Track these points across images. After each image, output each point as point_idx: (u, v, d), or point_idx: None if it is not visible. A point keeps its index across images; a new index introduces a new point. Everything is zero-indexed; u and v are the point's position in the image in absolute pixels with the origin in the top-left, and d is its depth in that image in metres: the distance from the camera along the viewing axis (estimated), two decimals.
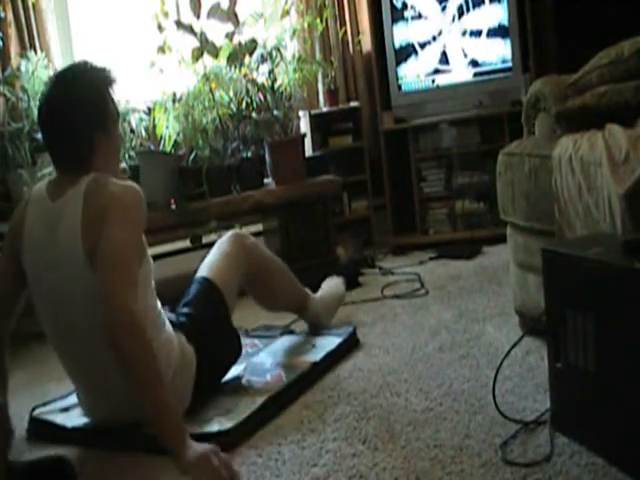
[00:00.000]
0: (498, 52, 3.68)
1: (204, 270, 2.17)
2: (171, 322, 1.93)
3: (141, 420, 1.72)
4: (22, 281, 1.85)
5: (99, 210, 1.69)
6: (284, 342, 2.41)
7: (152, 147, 3.42)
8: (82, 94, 1.79)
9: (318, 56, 3.96)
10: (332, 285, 2.62)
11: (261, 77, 3.50)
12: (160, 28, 3.32)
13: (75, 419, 1.97)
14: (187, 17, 3.36)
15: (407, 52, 3.82)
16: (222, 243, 2.27)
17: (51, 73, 3.31)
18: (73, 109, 1.77)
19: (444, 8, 3.75)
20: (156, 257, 2.46)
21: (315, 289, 2.56)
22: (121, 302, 1.57)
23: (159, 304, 1.90)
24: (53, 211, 1.77)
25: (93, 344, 1.72)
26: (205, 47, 3.31)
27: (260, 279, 2.30)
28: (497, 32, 3.67)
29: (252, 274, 2.25)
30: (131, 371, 1.56)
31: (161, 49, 3.32)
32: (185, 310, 2.02)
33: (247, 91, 3.47)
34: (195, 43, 3.31)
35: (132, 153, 3.33)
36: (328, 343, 2.28)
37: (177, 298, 2.11)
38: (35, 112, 3.24)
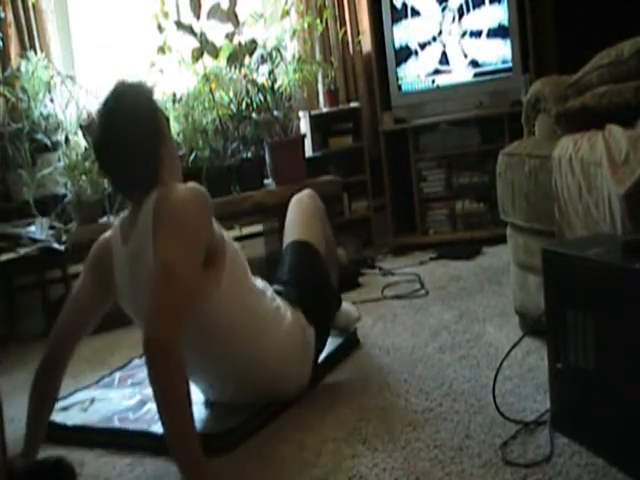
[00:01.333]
0: (498, 52, 3.68)
1: (291, 234, 2.19)
2: (280, 294, 1.94)
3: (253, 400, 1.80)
4: (102, 308, 1.82)
5: (163, 219, 1.57)
6: None
7: None
8: (138, 113, 1.68)
9: (318, 56, 3.97)
10: (349, 308, 2.54)
11: (261, 77, 3.50)
12: (160, 28, 3.32)
13: (75, 417, 1.98)
14: (187, 17, 3.36)
15: (407, 52, 3.83)
16: (300, 200, 2.30)
17: (51, 73, 3.32)
18: (141, 122, 1.67)
19: (444, 8, 3.75)
20: None
21: None
22: (160, 334, 1.42)
23: (262, 285, 1.90)
24: (127, 254, 1.69)
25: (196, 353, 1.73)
26: (205, 47, 3.31)
27: (326, 230, 2.29)
28: (497, 32, 3.67)
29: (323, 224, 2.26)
30: (158, 395, 1.42)
31: (161, 49, 3.33)
32: (289, 279, 2.04)
33: (247, 91, 3.47)
34: (195, 43, 3.31)
35: None
36: (328, 344, 2.27)
37: None
38: (36, 112, 3.25)
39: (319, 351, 2.04)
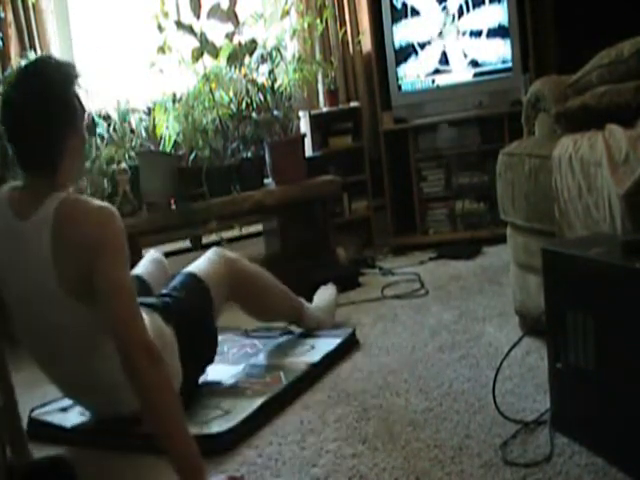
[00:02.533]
0: (498, 52, 3.68)
1: (190, 268, 2.18)
2: (150, 305, 1.93)
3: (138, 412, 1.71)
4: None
5: (82, 239, 1.61)
6: (283, 343, 2.41)
7: (152, 147, 3.42)
8: (51, 88, 1.67)
9: (318, 56, 3.96)
10: (323, 292, 2.62)
11: (261, 77, 3.50)
12: (160, 28, 3.31)
13: (74, 419, 1.98)
14: (187, 17, 3.36)
15: (407, 52, 3.82)
16: (204, 257, 2.26)
17: None
18: (44, 103, 1.65)
19: (444, 8, 3.75)
20: None
21: (315, 290, 2.56)
22: (138, 338, 1.51)
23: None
24: (17, 232, 1.68)
25: (78, 365, 1.77)
26: (205, 47, 3.31)
27: (247, 292, 2.28)
28: (497, 32, 3.67)
29: (238, 287, 2.23)
30: (150, 398, 1.48)
31: (161, 49, 3.32)
32: (167, 293, 2.04)
33: (247, 91, 3.47)
34: (195, 43, 3.31)
35: (132, 153, 3.33)
36: (327, 344, 2.28)
37: None
38: None
39: (191, 359, 1.96)
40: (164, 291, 2.09)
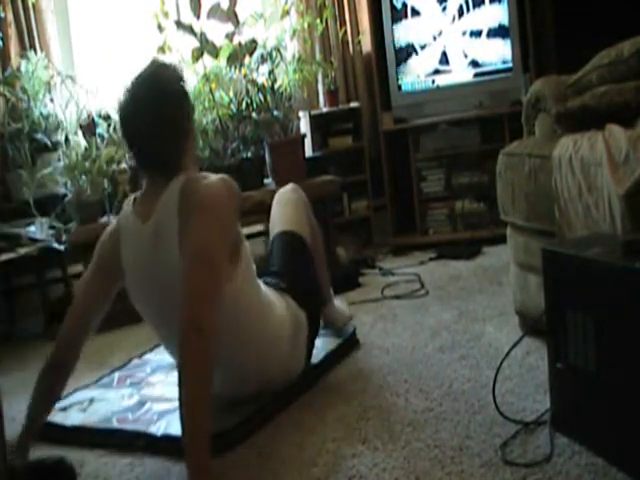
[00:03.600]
0: (498, 52, 3.68)
1: (277, 225, 2.23)
2: (274, 286, 1.98)
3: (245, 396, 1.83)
4: (107, 301, 1.84)
5: (193, 209, 1.61)
6: None
7: None
8: (171, 88, 1.71)
9: (318, 56, 3.96)
10: (341, 306, 2.57)
11: (261, 77, 3.50)
12: (160, 28, 3.32)
13: (74, 417, 1.98)
14: (187, 17, 3.36)
15: (407, 52, 3.83)
16: (284, 195, 2.32)
17: (51, 73, 3.32)
18: (167, 103, 1.69)
19: (444, 8, 3.75)
20: None
21: None
22: (197, 315, 1.47)
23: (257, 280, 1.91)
24: (146, 234, 1.69)
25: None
26: (205, 47, 3.31)
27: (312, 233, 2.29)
28: (497, 32, 3.67)
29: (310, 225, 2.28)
30: (186, 376, 1.43)
31: (161, 49, 3.33)
32: (278, 270, 2.09)
33: (247, 91, 3.47)
34: (195, 43, 3.31)
35: None
36: (327, 344, 2.28)
37: None
38: (36, 112, 3.25)
39: (312, 338, 2.07)
40: (275, 268, 2.11)
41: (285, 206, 2.28)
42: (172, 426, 1.80)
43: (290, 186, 2.38)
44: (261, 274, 2.03)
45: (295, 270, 2.11)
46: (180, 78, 1.75)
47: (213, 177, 1.70)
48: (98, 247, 1.86)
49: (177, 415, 1.77)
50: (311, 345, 2.08)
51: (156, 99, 1.68)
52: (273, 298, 1.93)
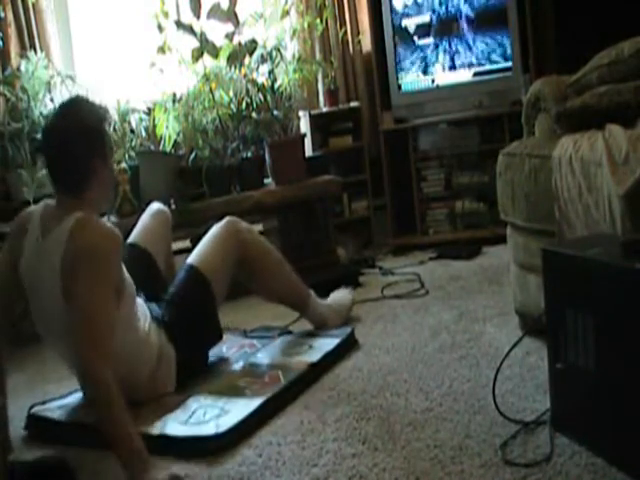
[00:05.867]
0: (498, 52, 3.68)
1: (193, 257, 2.24)
2: (154, 316, 2.05)
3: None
4: (20, 285, 1.94)
5: (72, 254, 1.74)
6: (282, 343, 2.40)
7: (152, 147, 3.42)
8: (84, 122, 1.87)
9: (318, 56, 3.96)
10: (338, 292, 2.66)
11: (261, 77, 3.50)
12: (160, 28, 3.32)
13: (72, 414, 1.98)
14: (187, 17, 3.36)
15: (407, 52, 3.82)
16: (215, 228, 2.32)
17: (51, 73, 3.33)
18: (75, 134, 1.85)
19: (444, 8, 3.75)
20: None
21: (316, 290, 2.56)
22: (93, 376, 1.61)
23: (140, 301, 2.01)
24: (40, 249, 1.84)
25: None
26: (205, 47, 3.31)
27: (255, 266, 2.33)
28: (497, 32, 3.67)
29: (246, 261, 2.29)
30: (101, 418, 1.62)
31: (161, 49, 3.33)
32: (170, 300, 2.13)
33: (247, 91, 3.47)
34: (195, 43, 3.31)
35: (132, 153, 3.33)
36: (326, 344, 2.28)
37: None
38: (36, 112, 3.25)
39: (181, 377, 2.07)
40: (170, 292, 2.18)
41: (209, 240, 2.30)
42: (169, 425, 1.80)
43: (223, 221, 2.34)
44: (153, 297, 2.14)
45: (184, 307, 2.14)
46: (99, 114, 1.93)
47: (99, 226, 1.81)
48: (11, 232, 2.01)
49: (175, 415, 1.81)
50: (178, 384, 2.07)
51: (68, 129, 1.86)
52: (148, 329, 2.00)
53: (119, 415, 1.59)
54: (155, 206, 2.53)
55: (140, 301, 2.03)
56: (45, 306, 1.87)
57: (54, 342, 1.97)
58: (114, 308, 1.78)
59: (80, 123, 1.87)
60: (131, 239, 2.37)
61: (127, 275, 1.92)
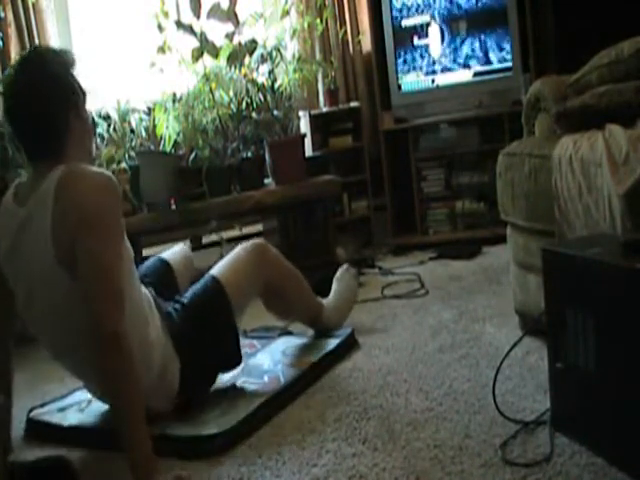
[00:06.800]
0: (498, 52, 3.68)
1: (217, 269, 2.08)
2: (164, 313, 1.90)
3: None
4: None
5: (71, 212, 1.59)
6: (282, 343, 2.40)
7: (152, 147, 3.42)
8: (49, 71, 1.68)
9: (318, 56, 3.96)
10: (343, 286, 2.56)
11: (261, 77, 3.50)
12: (160, 28, 3.32)
13: (71, 418, 1.98)
14: (187, 17, 3.36)
15: (407, 51, 3.82)
16: (244, 250, 2.16)
17: None
18: (46, 88, 1.66)
19: (444, 8, 3.75)
20: None
21: (316, 290, 2.56)
22: (110, 327, 1.51)
23: (147, 294, 1.88)
24: (20, 217, 1.68)
25: (79, 343, 1.69)
26: (205, 47, 3.31)
27: (277, 292, 2.22)
28: (497, 32, 3.67)
29: (269, 286, 2.18)
30: (111, 386, 1.53)
31: (161, 49, 3.32)
32: (184, 303, 1.96)
33: (247, 91, 3.47)
34: (195, 43, 3.31)
35: (132, 153, 3.33)
36: (326, 344, 2.28)
37: None
38: None
39: (189, 393, 1.92)
40: (186, 295, 2.01)
41: (234, 260, 2.12)
42: (169, 426, 1.80)
43: (252, 244, 2.20)
44: (169, 298, 2.00)
45: (197, 315, 1.95)
46: (58, 62, 1.71)
47: (91, 174, 1.65)
48: None
49: (174, 415, 1.78)
50: (185, 403, 1.92)
51: (28, 89, 1.67)
52: (154, 325, 1.84)
53: (135, 394, 1.51)
54: (183, 247, 2.48)
55: (144, 289, 1.89)
56: (34, 288, 1.69)
57: (53, 337, 1.80)
58: (122, 255, 1.64)
59: (45, 74, 1.67)
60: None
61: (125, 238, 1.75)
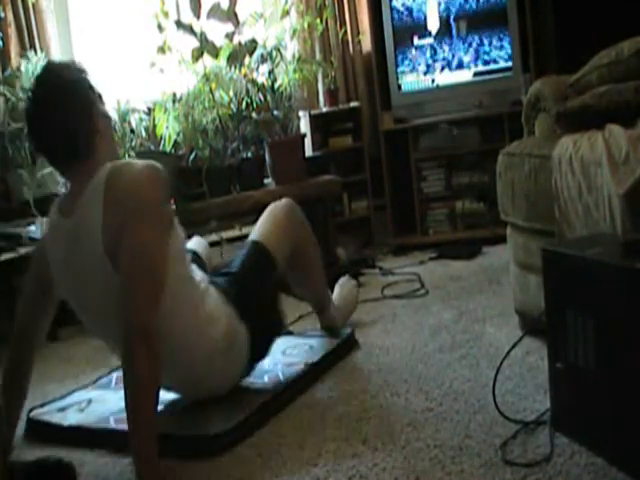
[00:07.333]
0: (498, 52, 3.68)
1: (255, 234, 2.16)
2: (220, 288, 1.90)
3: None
4: (50, 305, 1.87)
5: (122, 200, 1.59)
6: (282, 343, 2.40)
7: (152, 147, 3.42)
8: (67, 80, 1.69)
9: (318, 56, 3.96)
10: (346, 291, 2.60)
11: (261, 77, 3.50)
12: (160, 28, 3.32)
13: (71, 418, 1.97)
14: (187, 17, 3.36)
15: (407, 52, 3.82)
16: (276, 208, 2.24)
17: None
18: (64, 97, 1.67)
19: (444, 8, 3.75)
20: None
21: None
22: (143, 324, 1.49)
23: (200, 274, 1.89)
24: (68, 228, 1.68)
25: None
26: (205, 47, 3.31)
27: (302, 253, 2.23)
28: (497, 32, 3.67)
29: (297, 241, 2.22)
30: (132, 387, 1.51)
31: (161, 49, 3.32)
32: (234, 273, 2.00)
33: (247, 91, 3.47)
34: (195, 43, 3.31)
35: (132, 153, 3.33)
36: (326, 344, 2.28)
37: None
38: None
39: (253, 359, 1.97)
40: (234, 265, 2.05)
41: (270, 219, 2.21)
42: (169, 426, 1.80)
43: (284, 202, 2.27)
44: (215, 272, 2.05)
45: (249, 280, 2.00)
46: (72, 70, 1.72)
47: (138, 166, 1.66)
48: (33, 258, 1.89)
49: (174, 415, 1.78)
50: (250, 367, 1.98)
51: (53, 98, 1.66)
52: (213, 298, 1.85)
53: (152, 401, 1.49)
54: (200, 239, 2.53)
55: (194, 266, 1.89)
56: (88, 289, 1.68)
57: (98, 320, 1.76)
58: (167, 260, 1.61)
59: (64, 84, 1.67)
60: None
61: (176, 223, 1.77)
